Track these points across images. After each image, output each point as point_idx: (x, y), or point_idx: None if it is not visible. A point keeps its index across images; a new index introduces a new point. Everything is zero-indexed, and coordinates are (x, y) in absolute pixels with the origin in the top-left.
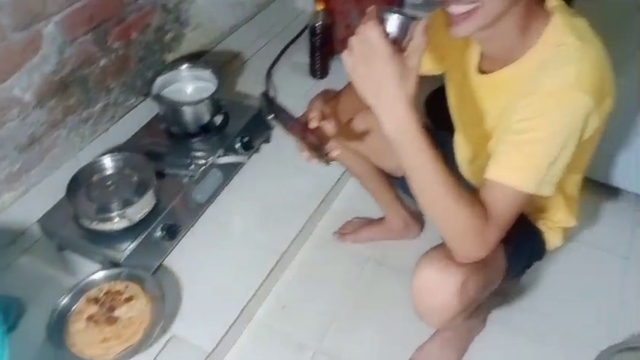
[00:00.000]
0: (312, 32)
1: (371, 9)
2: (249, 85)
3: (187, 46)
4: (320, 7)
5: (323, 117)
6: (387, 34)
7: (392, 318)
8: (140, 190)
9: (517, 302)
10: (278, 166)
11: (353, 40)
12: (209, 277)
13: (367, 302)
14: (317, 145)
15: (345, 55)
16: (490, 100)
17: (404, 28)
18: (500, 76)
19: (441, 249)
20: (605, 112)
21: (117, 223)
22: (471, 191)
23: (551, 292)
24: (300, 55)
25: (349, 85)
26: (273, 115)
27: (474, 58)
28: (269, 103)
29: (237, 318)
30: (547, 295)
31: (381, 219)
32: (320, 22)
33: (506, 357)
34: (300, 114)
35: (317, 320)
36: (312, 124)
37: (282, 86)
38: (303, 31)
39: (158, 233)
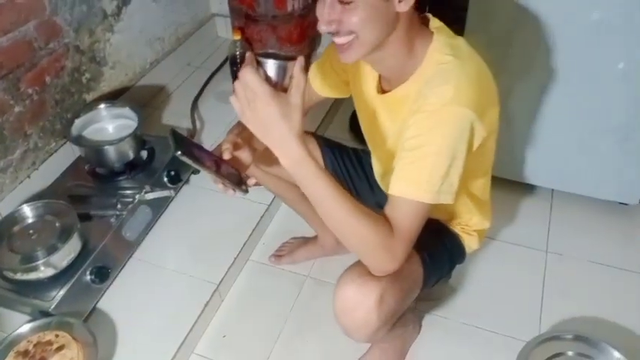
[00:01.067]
0: (233, 62)
1: (249, 55)
2: (175, 117)
3: (107, 84)
4: (237, 37)
5: (236, 147)
6: (266, 78)
7: (333, 334)
8: (64, 235)
9: (449, 304)
10: (208, 196)
11: (236, 85)
12: (144, 316)
13: (308, 321)
14: (234, 176)
15: (232, 100)
16: (390, 118)
17: (281, 70)
18: (395, 95)
19: (359, 266)
20: (492, 121)
21: (43, 271)
22: (373, 209)
23: (480, 290)
24: (226, 83)
25: None
26: (180, 152)
27: (373, 79)
28: (177, 139)
29: (175, 355)
30: (476, 294)
31: (315, 237)
32: (239, 52)
33: (443, 358)
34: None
35: (259, 345)
36: (225, 156)
37: (208, 116)
38: (226, 60)
39: (87, 277)
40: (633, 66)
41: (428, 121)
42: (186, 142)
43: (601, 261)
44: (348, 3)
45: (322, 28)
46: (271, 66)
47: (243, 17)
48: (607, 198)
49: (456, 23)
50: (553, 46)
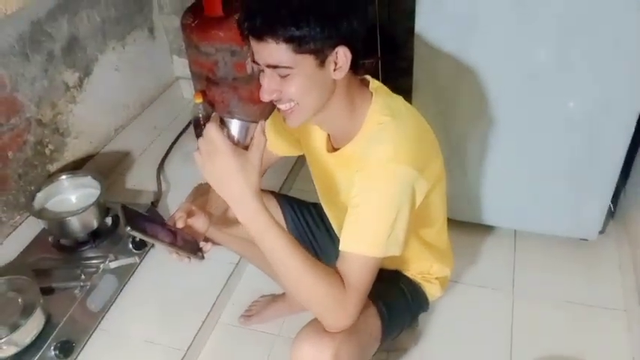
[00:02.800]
0: (196, 124)
1: (214, 115)
2: (141, 181)
3: (72, 154)
4: (199, 100)
5: (190, 215)
6: (229, 136)
7: None
8: (26, 311)
9: (418, 353)
10: (173, 261)
11: (200, 141)
12: None
13: None
14: (190, 243)
15: (195, 155)
16: (339, 175)
17: (244, 130)
18: (343, 154)
19: (314, 323)
20: (435, 173)
21: (5, 350)
22: (326, 265)
23: (449, 336)
24: (192, 144)
25: None
26: (129, 227)
27: (322, 138)
28: (127, 214)
29: None
30: (446, 340)
31: (284, 294)
32: (201, 114)
33: None
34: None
35: None
36: (179, 225)
37: (175, 178)
38: (190, 122)
39: (52, 353)
40: (574, 111)
41: (369, 179)
42: (138, 217)
43: (568, 298)
44: (285, 76)
45: (265, 97)
46: (234, 125)
47: (205, 80)
48: (568, 235)
49: (406, 75)
50: (496, 95)
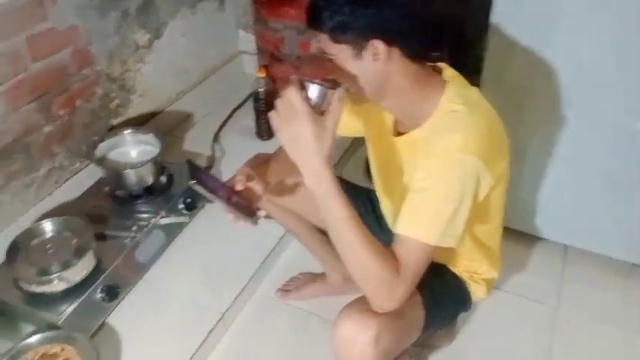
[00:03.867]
0: (256, 98)
1: (294, 77)
2: (197, 147)
3: (134, 111)
4: (262, 74)
5: (249, 179)
6: (307, 99)
7: None
8: (79, 252)
9: (452, 352)
10: (221, 225)
11: (278, 103)
12: (149, 337)
13: (310, 358)
14: (245, 207)
15: (272, 115)
16: (402, 160)
17: (322, 96)
18: (408, 139)
19: (359, 302)
20: (500, 172)
21: (56, 285)
22: (384, 245)
23: (485, 341)
24: (248, 117)
25: (278, 150)
26: (194, 182)
27: (389, 121)
28: (192, 169)
29: None
30: (481, 345)
31: (323, 274)
32: (262, 89)
33: None
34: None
35: None
36: (238, 187)
37: (229, 148)
38: (250, 95)
39: (98, 295)
40: None
41: (435, 165)
42: (201, 173)
43: (612, 322)
44: (330, 59)
45: (328, 75)
46: (313, 89)
47: (269, 56)
48: (621, 258)
49: (474, 73)
50: (567, 101)
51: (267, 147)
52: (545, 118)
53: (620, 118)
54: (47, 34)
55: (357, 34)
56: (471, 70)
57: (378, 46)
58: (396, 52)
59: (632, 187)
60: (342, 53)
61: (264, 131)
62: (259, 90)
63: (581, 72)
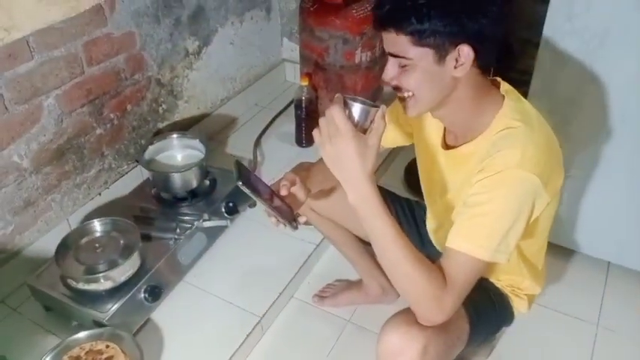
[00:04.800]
0: (298, 105)
1: (337, 96)
2: (238, 152)
3: (180, 116)
4: (304, 82)
5: (293, 184)
6: (350, 117)
7: None
8: (126, 252)
9: None
10: (260, 230)
11: (321, 121)
12: (189, 337)
13: None
14: (286, 211)
15: (315, 133)
16: (452, 172)
17: (365, 114)
18: (460, 152)
19: (405, 313)
20: (555, 190)
21: (102, 284)
22: (428, 259)
23: (521, 357)
24: (288, 124)
25: (322, 159)
26: (242, 182)
27: (438, 133)
28: (240, 170)
29: None
30: None
31: (360, 282)
32: (304, 97)
33: None
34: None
35: None
36: (283, 192)
37: (269, 153)
38: (291, 102)
39: (141, 295)
40: None
41: (492, 181)
42: (248, 174)
43: None
44: (404, 66)
45: (385, 80)
46: (357, 108)
47: (313, 65)
48: None
49: (521, 86)
50: (615, 117)
51: (306, 153)
52: (592, 132)
53: None
54: (104, 39)
55: (445, 38)
56: (517, 84)
57: (466, 52)
58: (473, 61)
59: None
60: (423, 57)
61: (304, 139)
62: (302, 98)
63: (631, 86)
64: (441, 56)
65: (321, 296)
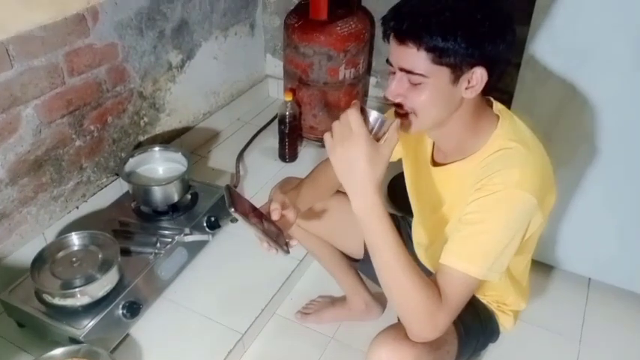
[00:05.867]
0: (281, 121)
1: (355, 102)
2: (221, 165)
3: (161, 129)
4: (288, 98)
5: (283, 207)
6: (366, 123)
7: None
8: (104, 267)
9: None
10: (242, 245)
11: (335, 124)
12: (168, 355)
13: None
14: (277, 235)
15: (326, 137)
16: (442, 189)
17: (380, 123)
18: (451, 169)
19: (395, 329)
20: (548, 208)
21: (79, 299)
22: (425, 275)
23: None
24: (271, 140)
25: (310, 176)
26: (234, 209)
27: (427, 150)
28: (232, 195)
29: None
30: None
31: (344, 299)
32: (288, 112)
33: None
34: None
35: None
36: (274, 217)
37: (252, 168)
38: (274, 118)
39: (120, 310)
40: None
41: (491, 200)
42: (240, 199)
43: (636, 357)
44: (416, 84)
45: (389, 96)
46: (374, 116)
47: (297, 80)
48: None
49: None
50: (599, 133)
51: (289, 169)
52: (574, 149)
53: None
54: (86, 49)
55: (464, 59)
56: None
57: (479, 74)
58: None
59: None
60: (439, 75)
61: (287, 154)
62: (285, 113)
63: (611, 104)
64: (457, 76)
65: (304, 313)
